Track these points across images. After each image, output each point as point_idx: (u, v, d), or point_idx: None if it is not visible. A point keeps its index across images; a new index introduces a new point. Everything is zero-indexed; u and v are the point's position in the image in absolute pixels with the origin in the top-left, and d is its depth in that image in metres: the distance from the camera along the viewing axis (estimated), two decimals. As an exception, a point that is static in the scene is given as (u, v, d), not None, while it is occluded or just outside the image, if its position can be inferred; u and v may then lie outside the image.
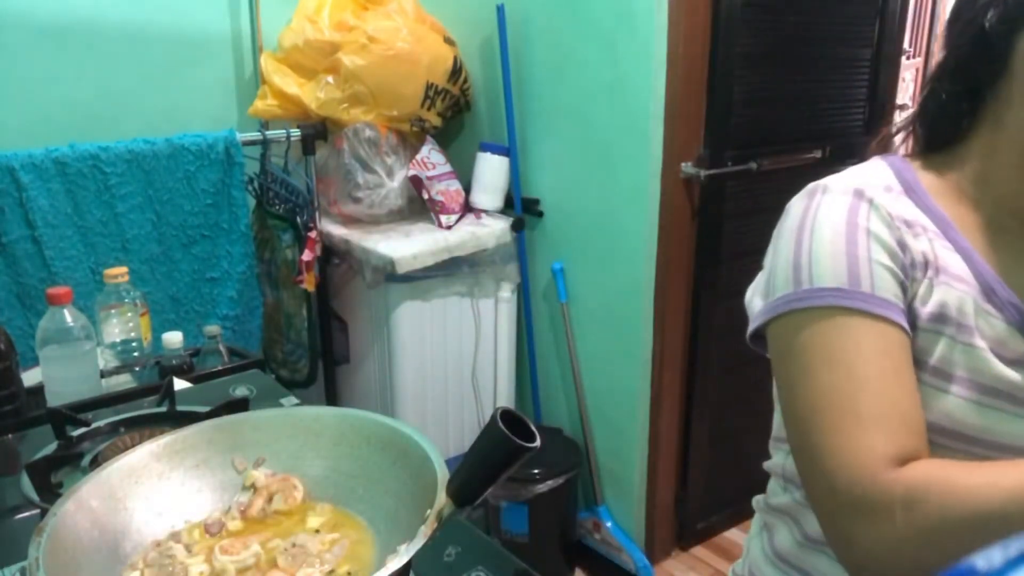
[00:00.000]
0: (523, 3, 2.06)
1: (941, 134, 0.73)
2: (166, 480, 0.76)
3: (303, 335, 2.15)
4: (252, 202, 2.14)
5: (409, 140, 2.20)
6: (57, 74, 1.98)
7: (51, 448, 1.01)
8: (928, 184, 0.73)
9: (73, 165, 1.78)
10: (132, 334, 1.41)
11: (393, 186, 2.13)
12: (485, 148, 2.20)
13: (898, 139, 0.78)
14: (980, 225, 0.71)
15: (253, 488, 0.78)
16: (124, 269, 1.42)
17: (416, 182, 2.14)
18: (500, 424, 0.60)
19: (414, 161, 2.14)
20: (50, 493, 0.90)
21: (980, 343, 0.66)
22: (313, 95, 2.06)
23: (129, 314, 1.41)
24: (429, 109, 2.14)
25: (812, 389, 0.64)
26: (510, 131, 2.15)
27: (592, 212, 2.04)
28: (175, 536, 0.73)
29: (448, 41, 2.20)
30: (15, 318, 1.77)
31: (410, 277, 2.01)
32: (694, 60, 1.86)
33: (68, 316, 1.21)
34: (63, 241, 1.79)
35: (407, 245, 2.00)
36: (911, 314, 0.67)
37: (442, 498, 0.64)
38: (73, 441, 1.03)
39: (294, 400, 1.21)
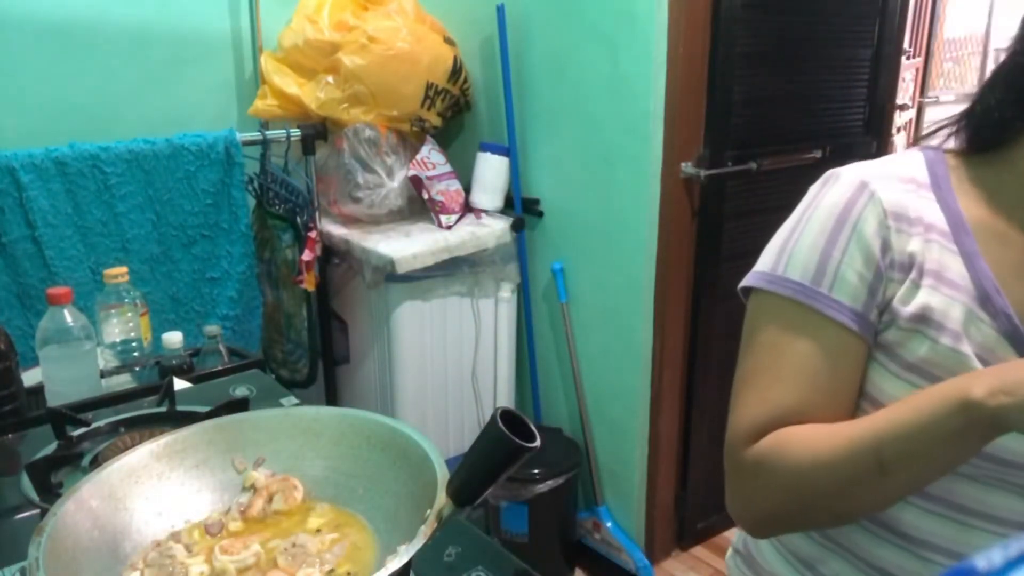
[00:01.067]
0: (523, 3, 2.06)
1: (988, 135, 0.72)
2: (166, 480, 0.76)
3: (303, 335, 2.15)
4: (252, 202, 2.14)
5: (409, 140, 2.20)
6: (57, 74, 1.97)
7: (51, 448, 1.01)
8: (958, 182, 0.72)
9: (73, 165, 1.78)
10: (132, 334, 1.41)
11: (393, 186, 2.13)
12: (485, 148, 2.19)
13: (941, 135, 0.78)
14: (1002, 231, 0.70)
15: (253, 488, 0.78)
16: (124, 269, 1.42)
17: (416, 182, 2.14)
18: (500, 424, 0.59)
19: (414, 161, 2.14)
20: (50, 493, 0.90)
21: (966, 349, 0.66)
22: (313, 95, 2.06)
23: (129, 314, 1.41)
24: (429, 109, 2.14)
25: (745, 365, 0.73)
26: (510, 131, 2.15)
27: (592, 212, 2.04)
28: (175, 536, 0.73)
29: (448, 41, 2.20)
30: (15, 318, 1.77)
31: (410, 277, 2.01)
32: (694, 60, 1.86)
33: (68, 316, 1.21)
34: (63, 241, 1.79)
35: (407, 245, 2.00)
36: (891, 312, 0.69)
37: (442, 498, 0.64)
38: (73, 441, 1.03)
39: (294, 400, 1.21)
